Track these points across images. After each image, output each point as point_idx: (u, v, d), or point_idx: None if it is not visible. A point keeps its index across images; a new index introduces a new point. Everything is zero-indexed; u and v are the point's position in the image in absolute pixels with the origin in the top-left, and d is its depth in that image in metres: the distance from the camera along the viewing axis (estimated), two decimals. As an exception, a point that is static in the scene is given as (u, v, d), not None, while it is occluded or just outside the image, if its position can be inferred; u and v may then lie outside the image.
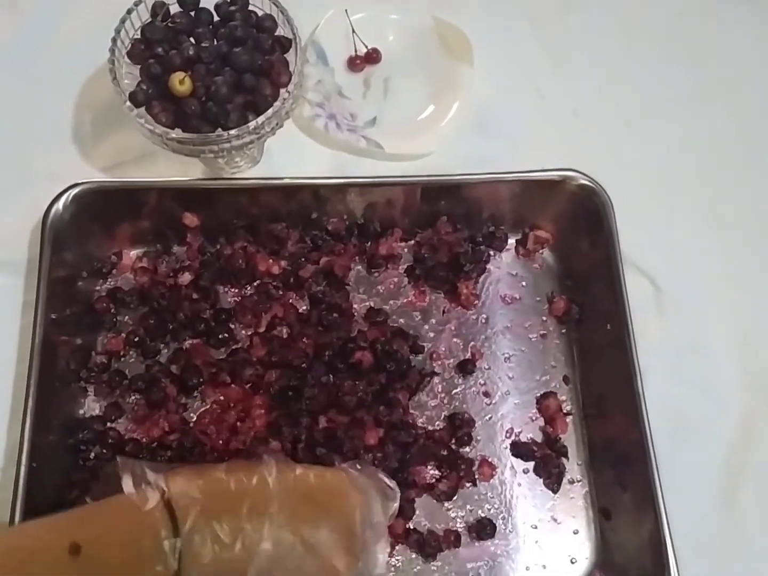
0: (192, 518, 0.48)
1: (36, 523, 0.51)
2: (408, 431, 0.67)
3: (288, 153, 0.75)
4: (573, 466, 0.69)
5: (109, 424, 0.67)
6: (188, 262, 0.73)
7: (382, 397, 0.68)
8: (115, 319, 0.71)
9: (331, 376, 0.68)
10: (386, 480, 0.60)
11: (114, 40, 0.63)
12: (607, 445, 0.69)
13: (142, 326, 0.70)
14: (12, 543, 0.48)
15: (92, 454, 0.66)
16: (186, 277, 0.71)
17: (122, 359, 0.70)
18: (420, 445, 0.67)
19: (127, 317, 0.71)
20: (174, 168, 0.72)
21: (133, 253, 0.74)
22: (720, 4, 0.87)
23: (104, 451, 0.66)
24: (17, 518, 0.58)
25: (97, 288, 0.72)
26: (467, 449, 0.69)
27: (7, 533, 0.54)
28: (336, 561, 0.52)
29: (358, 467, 0.60)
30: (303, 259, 0.73)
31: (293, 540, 0.51)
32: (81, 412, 0.68)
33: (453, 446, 0.69)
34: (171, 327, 0.70)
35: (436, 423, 0.70)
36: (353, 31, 0.79)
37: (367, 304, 0.74)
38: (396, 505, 0.60)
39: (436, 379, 0.71)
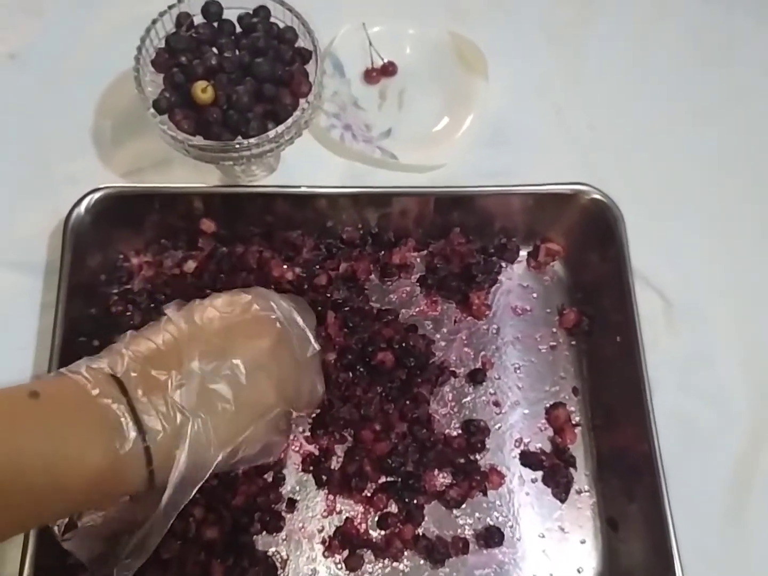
0: (135, 381, 0.49)
1: None
2: (430, 429, 0.69)
3: (303, 162, 0.76)
4: (581, 477, 0.70)
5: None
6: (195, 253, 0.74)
7: (406, 394, 0.69)
8: (131, 321, 0.71)
9: (351, 374, 0.70)
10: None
11: (139, 49, 0.64)
12: (616, 456, 0.69)
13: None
14: None
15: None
16: (190, 265, 0.73)
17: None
18: (437, 450, 0.68)
19: (139, 320, 0.72)
20: (191, 175, 0.74)
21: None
22: (735, 18, 0.88)
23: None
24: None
25: (114, 291, 0.73)
26: (478, 457, 0.69)
27: None
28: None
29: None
30: (318, 267, 0.74)
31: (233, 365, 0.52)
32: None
33: (469, 454, 0.69)
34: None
35: (447, 431, 0.70)
36: (370, 44, 0.81)
37: (381, 312, 0.75)
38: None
39: (446, 388, 0.72)
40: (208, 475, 0.51)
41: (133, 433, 0.46)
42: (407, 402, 0.69)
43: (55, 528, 0.53)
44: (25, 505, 0.44)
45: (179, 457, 0.48)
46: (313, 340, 0.61)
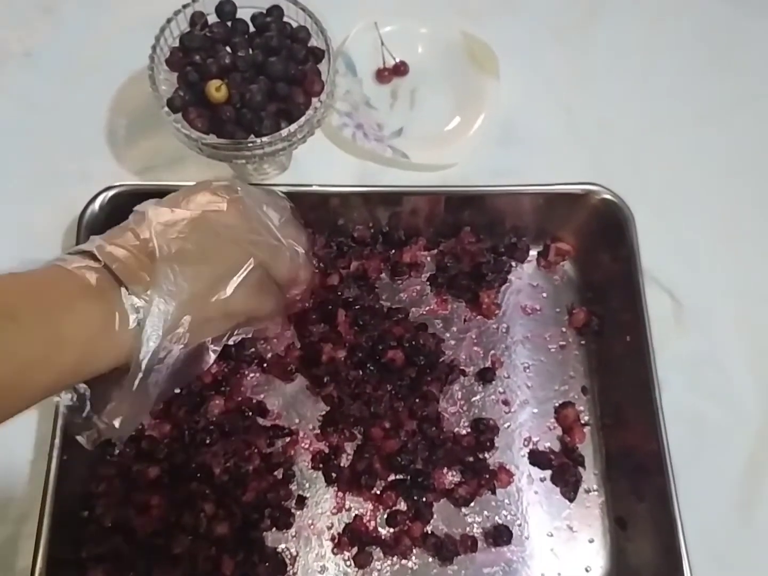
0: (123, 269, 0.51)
1: None
2: (440, 427, 0.69)
3: (315, 161, 0.77)
4: (590, 476, 0.70)
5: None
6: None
7: (415, 392, 0.70)
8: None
9: (361, 371, 0.70)
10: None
11: (153, 48, 0.65)
12: (624, 456, 0.69)
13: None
14: None
15: (116, 450, 0.67)
16: None
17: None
18: (447, 448, 0.69)
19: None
20: (203, 173, 0.74)
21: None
22: (745, 17, 0.88)
23: (128, 449, 0.67)
24: (47, 508, 0.60)
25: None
26: (487, 455, 0.70)
27: None
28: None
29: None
30: (328, 266, 0.75)
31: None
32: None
33: (478, 452, 0.70)
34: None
35: (456, 429, 0.71)
36: (382, 44, 0.81)
37: (391, 310, 0.75)
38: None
39: (455, 386, 0.73)
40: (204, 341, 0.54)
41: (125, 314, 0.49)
42: (417, 400, 0.70)
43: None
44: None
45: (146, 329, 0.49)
46: (287, 202, 0.64)
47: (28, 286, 0.49)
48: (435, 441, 0.68)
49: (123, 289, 0.50)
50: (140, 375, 0.50)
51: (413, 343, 0.71)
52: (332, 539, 0.67)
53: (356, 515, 0.67)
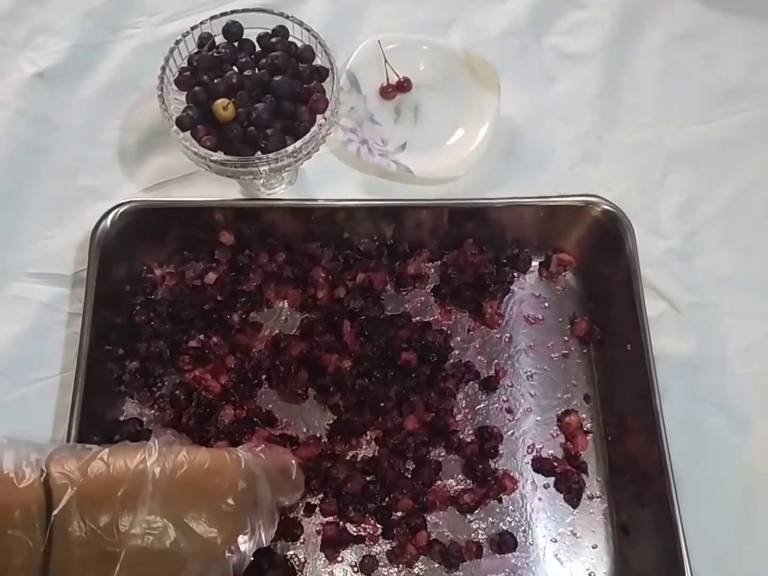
0: (67, 497, 0.47)
1: None
2: (454, 419, 0.71)
3: (321, 176, 0.79)
4: (593, 482, 0.71)
5: (144, 426, 0.70)
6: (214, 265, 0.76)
7: (433, 387, 0.72)
8: (153, 331, 0.74)
9: (366, 380, 0.71)
10: (290, 462, 0.60)
11: (163, 68, 0.67)
12: (627, 462, 0.70)
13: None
14: None
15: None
16: (211, 276, 0.74)
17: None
18: (453, 446, 0.71)
19: (161, 329, 0.74)
20: (212, 189, 0.76)
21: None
22: (742, 37, 0.90)
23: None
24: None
25: (138, 301, 0.75)
26: (491, 463, 0.71)
27: None
28: (211, 537, 0.50)
29: (258, 449, 0.58)
30: (335, 278, 0.76)
31: (165, 524, 0.49)
32: (121, 415, 0.71)
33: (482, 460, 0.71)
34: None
35: (461, 437, 0.72)
36: (385, 61, 0.83)
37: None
38: (298, 493, 0.61)
39: (460, 395, 0.74)
40: None
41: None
42: (432, 394, 0.71)
43: None
44: None
45: None
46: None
47: None
48: (451, 439, 0.70)
49: None
50: None
51: (422, 342, 0.73)
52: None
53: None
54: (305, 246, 0.76)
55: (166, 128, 0.66)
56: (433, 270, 0.79)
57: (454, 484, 0.70)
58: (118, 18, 0.86)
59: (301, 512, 0.68)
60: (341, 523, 0.68)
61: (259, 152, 0.66)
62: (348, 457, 0.70)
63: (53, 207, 0.77)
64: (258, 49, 0.69)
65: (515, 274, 0.79)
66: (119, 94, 0.82)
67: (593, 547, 0.69)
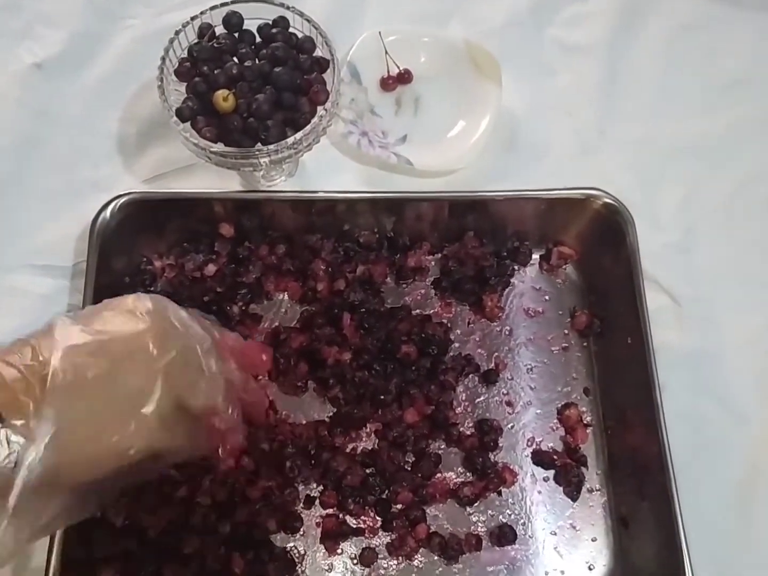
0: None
1: None
2: (454, 411, 0.71)
3: (321, 168, 0.79)
4: (592, 475, 0.71)
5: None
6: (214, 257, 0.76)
7: (433, 380, 0.72)
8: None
9: (366, 373, 0.71)
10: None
11: (163, 59, 0.67)
12: (626, 456, 0.70)
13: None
14: None
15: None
16: (211, 268, 0.74)
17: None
18: (453, 440, 0.71)
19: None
20: (211, 180, 0.76)
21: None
22: (749, 37, 0.89)
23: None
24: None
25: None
26: (491, 456, 0.71)
27: None
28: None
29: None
30: (335, 271, 0.76)
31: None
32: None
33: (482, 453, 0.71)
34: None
35: (461, 430, 0.72)
36: (386, 53, 0.82)
37: (395, 314, 0.76)
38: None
39: (460, 388, 0.74)
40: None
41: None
42: (432, 387, 0.71)
43: None
44: None
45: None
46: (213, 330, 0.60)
47: None
48: (451, 432, 0.70)
49: None
50: (5, 522, 0.44)
51: (422, 335, 0.73)
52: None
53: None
54: (305, 238, 0.76)
55: (166, 119, 0.66)
56: (433, 263, 0.79)
57: (453, 476, 0.70)
58: (118, 8, 0.86)
59: (301, 504, 0.69)
60: (341, 515, 0.68)
61: (259, 144, 0.65)
62: (348, 450, 0.70)
63: (52, 198, 0.76)
64: (258, 39, 0.69)
65: (516, 267, 0.79)
66: (119, 85, 0.81)
67: (593, 540, 0.69)
